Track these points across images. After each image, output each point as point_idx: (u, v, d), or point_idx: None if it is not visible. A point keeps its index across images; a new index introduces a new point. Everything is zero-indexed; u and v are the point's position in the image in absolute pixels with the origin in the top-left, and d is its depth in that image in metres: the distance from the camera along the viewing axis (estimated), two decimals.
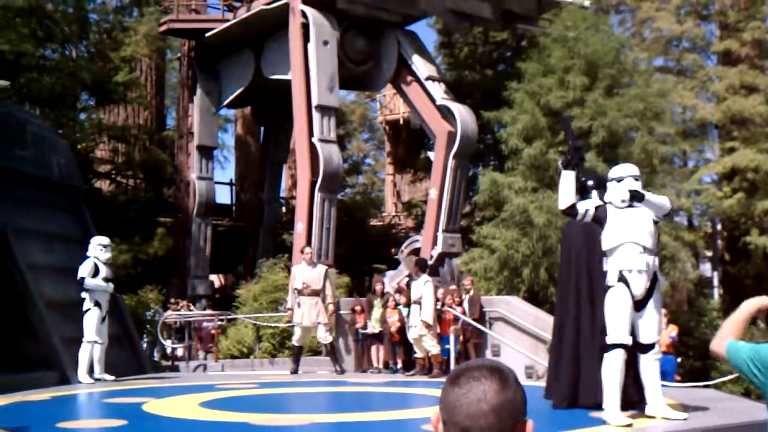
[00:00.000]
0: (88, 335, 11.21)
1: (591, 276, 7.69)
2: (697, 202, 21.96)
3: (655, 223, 6.99)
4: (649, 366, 6.98)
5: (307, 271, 13.13)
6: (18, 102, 18.19)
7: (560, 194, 7.24)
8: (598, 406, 7.11)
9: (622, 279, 6.83)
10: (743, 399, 10.40)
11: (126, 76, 23.00)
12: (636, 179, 7.09)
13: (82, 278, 11.27)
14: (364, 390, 10.62)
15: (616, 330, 6.79)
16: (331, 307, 13.20)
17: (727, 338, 3.07)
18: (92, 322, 11.26)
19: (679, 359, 12.99)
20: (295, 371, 13.05)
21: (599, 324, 7.43)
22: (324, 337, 13.05)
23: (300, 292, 12.88)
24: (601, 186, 8.06)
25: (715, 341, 3.11)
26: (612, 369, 6.78)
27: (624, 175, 7.10)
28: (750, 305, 3.10)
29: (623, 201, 6.99)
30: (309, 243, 18.18)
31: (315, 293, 12.89)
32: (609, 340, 6.83)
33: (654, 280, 6.92)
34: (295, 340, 13.24)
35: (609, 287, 6.89)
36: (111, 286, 11.54)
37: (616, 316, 6.82)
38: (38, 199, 12.75)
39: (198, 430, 6.71)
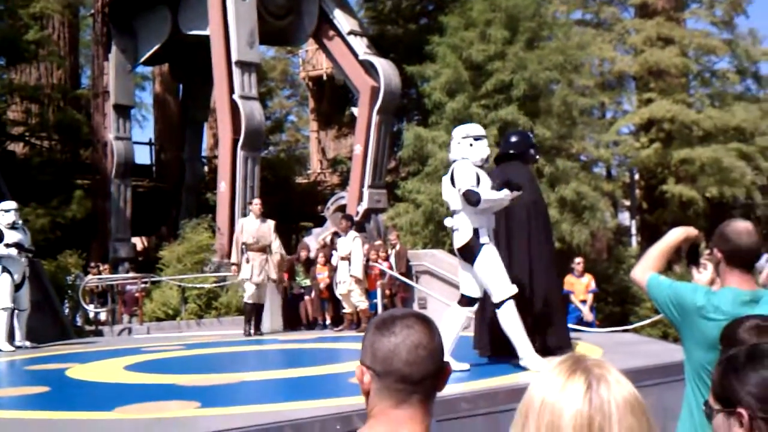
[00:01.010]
0: (3, 302, 10.87)
1: (509, 226, 7.78)
2: (615, 152, 22.45)
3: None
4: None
5: (256, 225, 12.30)
6: None
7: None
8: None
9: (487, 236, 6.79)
10: (662, 342, 10.78)
11: (37, 33, 22.10)
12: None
13: None
14: (294, 347, 10.63)
15: (502, 285, 6.76)
16: (277, 258, 12.46)
17: (649, 270, 3.13)
18: (4, 289, 10.91)
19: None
20: (249, 333, 12.11)
21: (517, 273, 7.57)
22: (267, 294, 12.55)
23: (248, 247, 12.11)
24: (524, 143, 8.12)
25: (637, 269, 3.17)
26: (512, 320, 6.76)
27: (481, 134, 7.11)
28: (676, 234, 3.17)
29: (482, 160, 6.98)
30: (233, 202, 17.97)
31: (264, 249, 12.17)
32: (499, 297, 6.77)
33: None
34: (247, 298, 12.24)
35: (481, 245, 6.75)
36: (14, 251, 11.10)
37: (498, 272, 6.77)
38: None
39: (123, 393, 6.61)
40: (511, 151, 7.95)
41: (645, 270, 3.15)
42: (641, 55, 22.84)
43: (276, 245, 12.35)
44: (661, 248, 3.17)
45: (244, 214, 17.65)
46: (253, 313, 12.24)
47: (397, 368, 1.61)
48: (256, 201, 12.73)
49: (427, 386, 1.63)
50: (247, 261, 12.05)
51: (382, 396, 1.63)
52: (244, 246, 12.16)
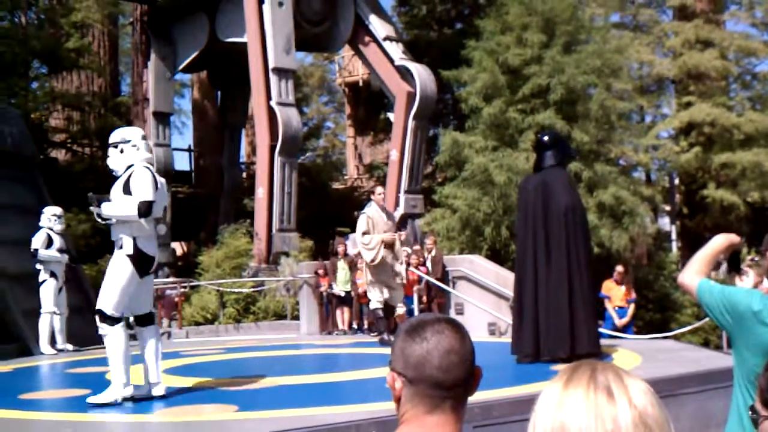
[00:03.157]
0: (46, 306, 11.07)
1: (548, 231, 7.74)
2: (654, 156, 22.20)
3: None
4: (149, 340, 6.60)
5: (384, 217, 10.55)
6: None
7: None
8: (562, 360, 7.22)
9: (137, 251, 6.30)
10: (702, 348, 10.62)
11: (77, 42, 22.50)
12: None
13: (36, 250, 11.08)
14: (331, 352, 10.65)
15: (115, 302, 6.33)
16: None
17: (698, 275, 3.10)
18: (49, 293, 11.11)
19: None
20: (387, 340, 10.22)
21: (554, 278, 7.54)
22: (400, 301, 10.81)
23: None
24: (558, 144, 8.14)
25: (685, 275, 3.13)
26: (117, 344, 6.40)
27: (130, 138, 6.64)
28: (720, 241, 3.14)
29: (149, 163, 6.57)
30: (270, 208, 18.08)
31: (393, 245, 10.45)
32: (104, 307, 6.31)
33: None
34: (377, 302, 10.55)
35: (129, 256, 6.28)
36: (65, 257, 11.35)
37: (118, 288, 6.32)
38: None
39: (163, 396, 6.67)
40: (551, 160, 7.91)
41: (694, 275, 3.11)
42: (680, 58, 22.57)
43: (402, 246, 10.92)
44: (707, 253, 3.13)
45: (281, 221, 17.78)
46: (384, 319, 10.74)
47: (430, 374, 1.60)
48: (380, 190, 11.04)
49: (459, 392, 1.62)
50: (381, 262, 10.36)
51: (414, 402, 1.62)
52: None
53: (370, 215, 10.49)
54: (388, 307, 10.59)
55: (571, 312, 7.58)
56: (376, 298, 10.45)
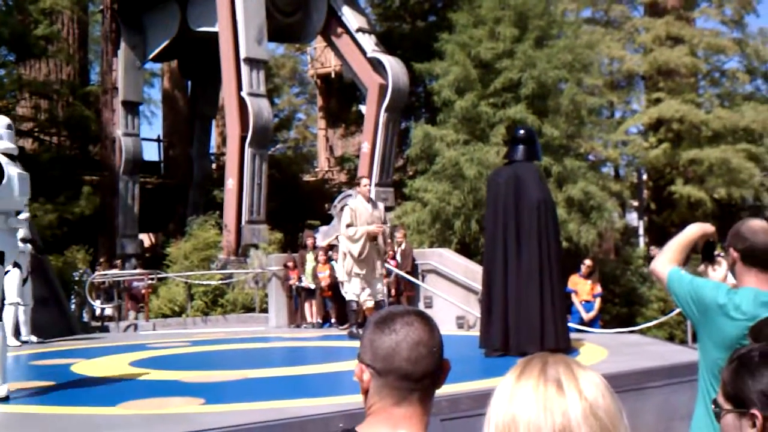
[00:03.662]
0: (10, 297, 10.89)
1: (519, 225, 7.77)
2: (623, 152, 22.37)
3: None
4: None
5: (368, 209, 10.40)
6: None
7: None
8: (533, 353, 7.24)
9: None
10: (667, 343, 10.74)
11: (46, 29, 22.14)
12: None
13: None
14: (299, 345, 10.62)
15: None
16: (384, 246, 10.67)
17: (669, 264, 3.12)
18: (13, 284, 10.93)
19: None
20: (355, 333, 10.28)
21: (525, 272, 7.57)
22: (381, 293, 10.63)
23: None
24: (532, 141, 8.17)
25: (657, 262, 3.16)
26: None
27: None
28: (693, 230, 3.16)
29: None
30: (240, 200, 17.97)
31: (377, 237, 10.34)
32: None
33: None
34: (354, 294, 10.47)
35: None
36: (29, 246, 11.16)
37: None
38: None
39: (128, 388, 6.61)
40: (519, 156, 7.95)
41: (665, 263, 3.13)
42: (650, 54, 22.75)
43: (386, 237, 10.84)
44: (680, 242, 3.16)
45: (251, 212, 17.68)
46: (360, 314, 10.63)
47: (398, 366, 1.60)
48: (365, 181, 10.83)
49: (426, 384, 1.62)
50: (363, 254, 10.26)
51: (382, 394, 1.62)
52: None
53: (354, 207, 10.43)
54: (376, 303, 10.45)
55: (541, 307, 7.62)
56: (353, 291, 10.39)
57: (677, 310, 3.14)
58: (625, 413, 1.36)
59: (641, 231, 24.58)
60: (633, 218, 25.91)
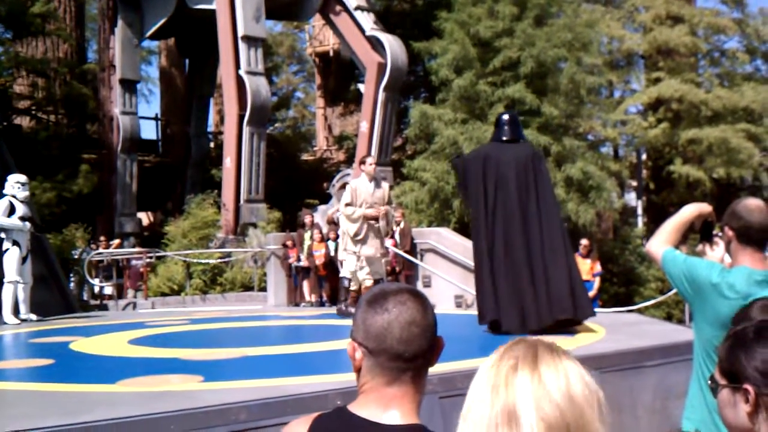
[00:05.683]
0: (9, 275, 10.90)
1: (539, 205, 7.80)
2: (622, 132, 22.34)
3: None
4: None
5: (370, 188, 10.23)
6: None
7: None
8: (533, 332, 7.28)
9: None
10: (665, 323, 10.78)
11: (43, 6, 21.99)
12: None
13: None
14: (297, 323, 10.65)
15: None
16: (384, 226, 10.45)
17: (665, 244, 3.13)
18: (12, 262, 10.94)
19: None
20: (343, 312, 10.33)
21: (510, 247, 7.60)
22: (379, 272, 10.42)
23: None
24: (513, 122, 8.24)
25: (653, 242, 3.17)
26: None
27: None
28: (690, 210, 3.17)
29: None
30: (238, 178, 17.95)
31: (377, 218, 10.20)
32: None
33: None
34: (349, 272, 10.36)
35: None
36: (27, 225, 11.14)
37: None
38: None
39: (127, 366, 6.63)
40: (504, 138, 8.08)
41: (660, 243, 3.14)
42: (650, 34, 22.67)
43: (393, 216, 10.76)
44: (676, 222, 3.16)
45: (249, 191, 17.68)
46: (348, 290, 10.47)
47: (390, 346, 1.58)
48: (370, 160, 10.46)
49: (419, 363, 1.61)
50: (361, 233, 10.21)
51: (374, 373, 1.61)
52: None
53: (354, 186, 10.32)
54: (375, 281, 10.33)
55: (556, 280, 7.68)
56: (349, 269, 10.38)
57: (674, 290, 3.16)
58: (606, 406, 1.33)
59: (640, 211, 24.61)
60: (632, 198, 25.93)
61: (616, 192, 20.35)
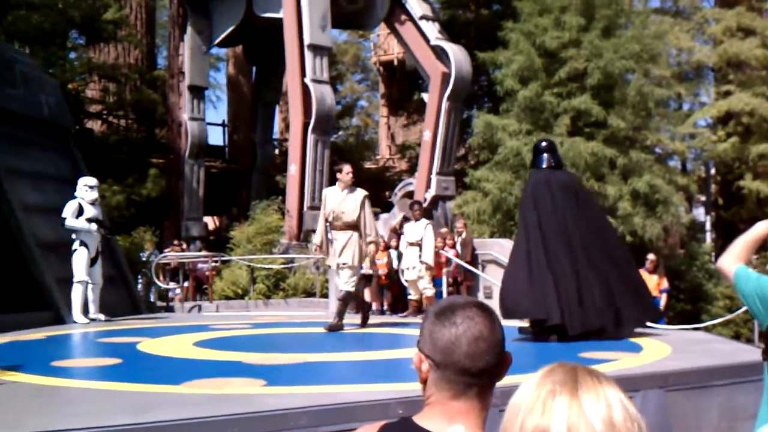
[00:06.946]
0: (78, 275, 11.19)
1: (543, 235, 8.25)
2: (691, 145, 21.92)
3: None
4: None
5: (340, 197, 9.83)
6: (6, 40, 17.89)
7: None
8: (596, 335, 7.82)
9: None
10: (732, 341, 10.51)
11: (115, 13, 22.61)
12: None
13: (64, 218, 11.22)
14: (357, 331, 10.69)
15: None
16: (371, 248, 9.97)
17: (737, 261, 3.09)
18: (81, 262, 11.22)
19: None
20: (335, 326, 9.83)
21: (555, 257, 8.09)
22: (345, 282, 9.89)
23: (331, 224, 9.85)
24: (553, 149, 8.78)
25: (724, 259, 3.13)
26: None
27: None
28: (762, 228, 3.13)
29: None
30: (302, 185, 18.12)
31: (349, 226, 9.74)
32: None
33: None
34: (344, 285, 9.97)
35: None
36: (94, 226, 11.39)
37: None
38: (28, 139, 12.62)
39: (191, 368, 6.75)
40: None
41: (732, 261, 3.10)
42: (720, 46, 22.21)
43: (368, 226, 9.80)
44: (748, 239, 3.12)
45: (313, 198, 17.83)
46: (347, 302, 10.14)
47: (457, 360, 1.58)
48: (347, 168, 10.04)
49: (486, 378, 1.61)
50: (331, 243, 9.86)
51: (439, 386, 1.61)
52: (328, 224, 9.94)
53: (325, 194, 10.08)
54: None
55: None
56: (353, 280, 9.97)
57: (744, 308, 3.10)
58: None
59: (708, 226, 24.08)
60: (700, 213, 25.39)
61: (683, 207, 19.96)
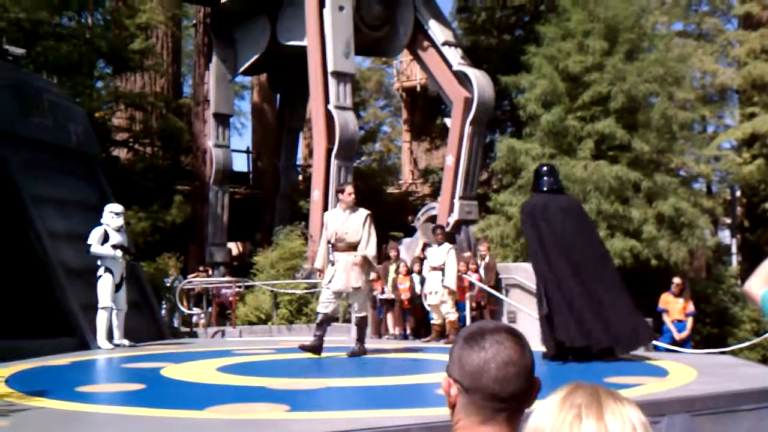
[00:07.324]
0: (103, 301, 11.29)
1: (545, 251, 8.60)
2: (716, 168, 21.76)
3: None
4: None
5: (342, 218, 9.62)
6: (35, 70, 18.17)
7: None
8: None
9: None
10: (760, 365, 10.36)
11: (142, 43, 22.93)
12: None
13: (89, 245, 11.34)
14: (381, 356, 10.67)
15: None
16: (358, 258, 9.55)
17: (764, 284, 3.06)
18: (105, 288, 11.33)
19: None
20: (312, 348, 9.74)
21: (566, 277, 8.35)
22: (359, 308, 9.89)
23: (334, 246, 9.60)
24: (554, 173, 9.05)
25: (752, 282, 3.10)
26: None
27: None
28: None
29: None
30: (325, 210, 18.16)
31: (352, 247, 9.52)
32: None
33: None
34: (319, 308, 9.94)
35: None
36: (119, 253, 11.50)
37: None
38: (56, 167, 12.80)
39: (215, 393, 6.77)
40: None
41: (759, 284, 3.07)
42: (744, 68, 22.09)
43: (367, 243, 9.60)
44: None
45: None
46: (322, 326, 9.84)
47: (486, 385, 1.57)
48: (349, 189, 9.79)
49: (515, 404, 1.59)
50: (332, 264, 9.60)
51: (468, 411, 1.60)
52: (330, 246, 9.68)
53: (327, 217, 9.92)
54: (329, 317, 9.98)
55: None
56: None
57: None
58: None
59: (734, 249, 23.82)
60: (725, 236, 25.13)
61: (709, 230, 19.77)
